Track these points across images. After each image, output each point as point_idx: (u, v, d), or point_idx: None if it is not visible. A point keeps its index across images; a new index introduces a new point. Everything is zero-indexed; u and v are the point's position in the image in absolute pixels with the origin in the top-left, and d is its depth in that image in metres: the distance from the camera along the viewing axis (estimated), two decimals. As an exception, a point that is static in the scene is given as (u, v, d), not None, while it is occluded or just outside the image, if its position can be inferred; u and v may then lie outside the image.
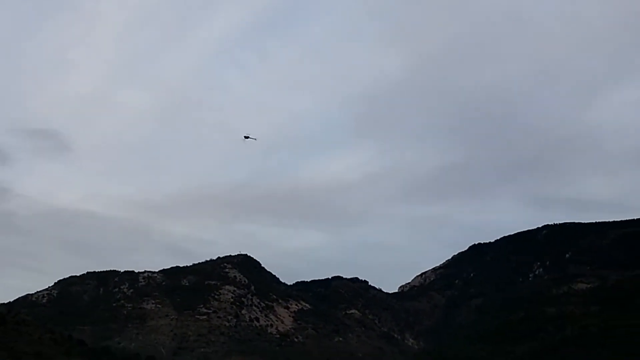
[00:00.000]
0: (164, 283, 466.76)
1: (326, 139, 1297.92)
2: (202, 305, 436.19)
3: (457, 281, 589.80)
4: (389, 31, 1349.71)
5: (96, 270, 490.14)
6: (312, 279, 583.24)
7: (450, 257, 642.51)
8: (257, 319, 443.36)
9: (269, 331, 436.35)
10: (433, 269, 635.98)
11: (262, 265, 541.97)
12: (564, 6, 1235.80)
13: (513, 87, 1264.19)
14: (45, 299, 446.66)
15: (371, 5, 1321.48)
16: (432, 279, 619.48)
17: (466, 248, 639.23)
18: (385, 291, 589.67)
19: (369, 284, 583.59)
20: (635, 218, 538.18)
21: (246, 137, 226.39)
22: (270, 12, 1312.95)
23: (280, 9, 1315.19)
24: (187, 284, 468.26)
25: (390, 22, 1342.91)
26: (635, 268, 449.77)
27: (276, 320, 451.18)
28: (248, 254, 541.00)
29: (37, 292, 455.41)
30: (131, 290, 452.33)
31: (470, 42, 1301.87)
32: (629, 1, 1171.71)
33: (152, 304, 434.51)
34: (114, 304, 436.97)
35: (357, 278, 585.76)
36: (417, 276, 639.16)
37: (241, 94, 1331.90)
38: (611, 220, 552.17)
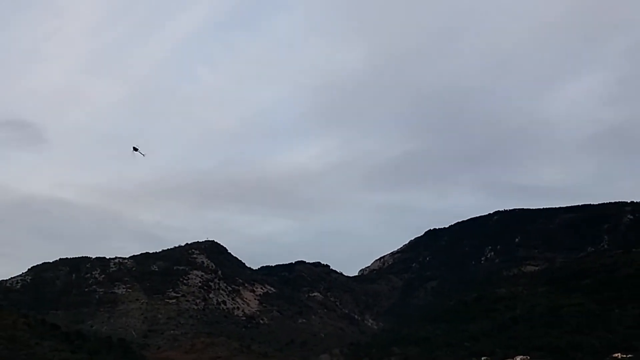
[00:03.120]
0: (134, 269, 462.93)
1: (292, 129, 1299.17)
2: (171, 290, 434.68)
3: (414, 264, 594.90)
4: (352, 26, 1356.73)
5: (69, 257, 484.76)
6: (277, 263, 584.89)
7: (407, 242, 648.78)
8: (224, 302, 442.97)
9: (235, 314, 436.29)
10: (391, 253, 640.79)
11: (229, 251, 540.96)
12: (517, 3, 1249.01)
13: (470, 81, 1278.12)
14: (19, 284, 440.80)
15: (336, 2, 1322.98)
16: (390, 262, 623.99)
17: (422, 233, 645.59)
18: (346, 275, 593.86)
19: (331, 268, 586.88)
20: (580, 204, 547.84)
21: (135, 150, 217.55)
22: (237, 7, 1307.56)
23: (248, 4, 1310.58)
24: (156, 269, 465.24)
25: (354, 18, 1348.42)
26: (580, 251, 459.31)
27: (242, 303, 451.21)
28: (215, 240, 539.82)
29: (11, 278, 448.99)
30: (103, 276, 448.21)
31: (429, 38, 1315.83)
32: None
33: (123, 288, 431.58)
34: (86, 289, 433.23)
35: (319, 262, 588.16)
36: (376, 260, 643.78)
37: (209, 86, 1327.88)
38: (558, 206, 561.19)
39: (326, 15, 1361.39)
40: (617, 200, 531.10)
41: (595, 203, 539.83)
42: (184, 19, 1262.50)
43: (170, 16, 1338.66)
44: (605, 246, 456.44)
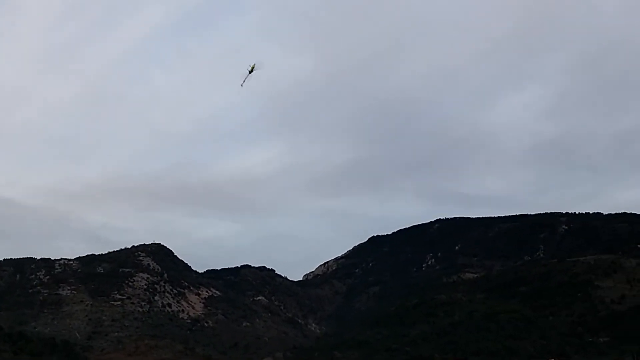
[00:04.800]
0: (79, 270, 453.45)
1: (241, 134, 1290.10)
2: (116, 292, 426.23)
3: (357, 270, 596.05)
4: (302, 33, 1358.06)
5: (13, 257, 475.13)
6: (222, 267, 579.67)
7: (351, 248, 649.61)
8: (170, 305, 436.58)
9: (180, 316, 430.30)
10: (335, 258, 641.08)
11: (175, 254, 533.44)
12: (464, 17, 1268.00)
13: (416, 92, 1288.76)
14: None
15: (288, 8, 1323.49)
16: (334, 268, 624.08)
17: (366, 240, 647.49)
18: (290, 279, 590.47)
19: (276, 272, 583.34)
20: (517, 214, 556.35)
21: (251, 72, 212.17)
22: (190, 11, 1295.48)
23: (201, 9, 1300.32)
24: (102, 271, 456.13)
25: (305, 25, 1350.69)
26: (517, 259, 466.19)
27: (188, 306, 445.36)
28: (162, 243, 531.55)
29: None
30: (47, 277, 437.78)
31: (378, 48, 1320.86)
32: (522, 15, 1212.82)
33: (68, 290, 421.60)
34: (30, 290, 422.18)
35: (264, 267, 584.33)
36: (320, 265, 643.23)
37: (161, 88, 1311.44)
38: (497, 215, 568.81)
39: (278, 22, 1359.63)
40: (553, 211, 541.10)
41: (532, 213, 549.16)
42: (137, 21, 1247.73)
43: (124, 18, 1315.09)
44: (541, 255, 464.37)
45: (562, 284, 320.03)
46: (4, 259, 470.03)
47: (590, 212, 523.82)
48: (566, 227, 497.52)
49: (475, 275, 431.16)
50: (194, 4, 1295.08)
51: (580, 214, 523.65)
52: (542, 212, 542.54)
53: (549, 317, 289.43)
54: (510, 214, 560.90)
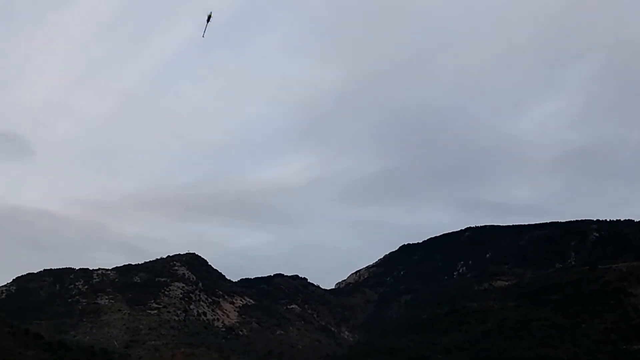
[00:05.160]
0: (117, 280, 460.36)
1: (272, 145, 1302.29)
2: (152, 301, 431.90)
3: (388, 278, 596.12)
4: (331, 46, 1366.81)
5: (53, 268, 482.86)
6: (256, 276, 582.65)
7: (382, 257, 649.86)
8: (205, 314, 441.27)
9: (215, 325, 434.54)
10: (367, 267, 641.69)
11: (209, 263, 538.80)
12: (490, 25, 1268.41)
13: (443, 100, 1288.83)
14: (3, 294, 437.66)
15: (316, 23, 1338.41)
16: (365, 276, 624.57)
17: (397, 248, 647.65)
18: (323, 288, 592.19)
19: (308, 281, 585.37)
20: (548, 221, 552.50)
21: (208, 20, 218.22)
22: (220, 26, 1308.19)
23: (230, 24, 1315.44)
24: (138, 280, 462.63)
25: (333, 38, 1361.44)
26: (548, 267, 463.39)
27: (222, 315, 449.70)
28: (196, 253, 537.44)
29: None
30: (86, 287, 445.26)
31: (405, 58, 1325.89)
32: (548, 22, 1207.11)
33: (106, 299, 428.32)
34: (69, 300, 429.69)
35: (297, 275, 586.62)
36: (352, 274, 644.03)
37: (193, 101, 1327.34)
38: (527, 223, 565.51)
39: (306, 35, 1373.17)
40: (583, 218, 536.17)
41: (562, 220, 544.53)
42: (170, 37, 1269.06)
43: (157, 33, 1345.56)
44: (573, 262, 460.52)
45: (594, 292, 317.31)
46: (44, 270, 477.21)
47: (622, 220, 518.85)
48: (597, 235, 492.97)
49: (507, 283, 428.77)
50: (223, 19, 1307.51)
51: (611, 221, 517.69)
52: (572, 220, 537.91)
53: (582, 325, 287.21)
54: (541, 222, 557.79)
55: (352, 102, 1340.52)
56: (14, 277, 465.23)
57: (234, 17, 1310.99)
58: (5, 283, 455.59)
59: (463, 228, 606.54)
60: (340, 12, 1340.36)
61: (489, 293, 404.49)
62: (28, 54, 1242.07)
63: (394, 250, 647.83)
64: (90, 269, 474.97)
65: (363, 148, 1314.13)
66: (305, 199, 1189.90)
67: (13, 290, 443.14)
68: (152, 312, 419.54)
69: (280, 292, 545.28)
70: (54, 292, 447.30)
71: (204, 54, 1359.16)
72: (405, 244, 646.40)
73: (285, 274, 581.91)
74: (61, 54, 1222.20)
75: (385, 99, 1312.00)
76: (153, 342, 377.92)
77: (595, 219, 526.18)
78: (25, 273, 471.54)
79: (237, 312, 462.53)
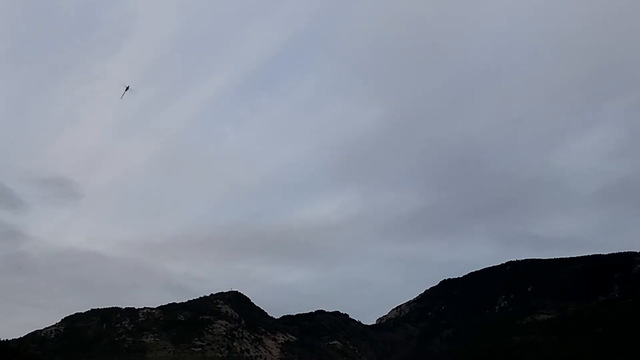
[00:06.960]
0: (161, 318, 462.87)
1: (313, 184, 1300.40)
2: (197, 339, 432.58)
3: (429, 313, 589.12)
4: (370, 86, 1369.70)
5: (100, 307, 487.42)
6: (298, 312, 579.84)
7: (423, 292, 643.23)
8: (248, 351, 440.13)
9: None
10: (408, 302, 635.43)
11: (252, 301, 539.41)
12: (529, 62, 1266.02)
13: (483, 136, 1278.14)
14: (53, 334, 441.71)
15: (354, 63, 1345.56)
16: (407, 311, 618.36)
17: (437, 283, 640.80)
18: (364, 323, 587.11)
19: (350, 316, 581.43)
20: (590, 254, 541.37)
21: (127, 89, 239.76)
22: (261, 70, 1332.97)
23: (271, 68, 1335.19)
24: (183, 318, 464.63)
25: (372, 78, 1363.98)
26: (591, 300, 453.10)
27: (265, 352, 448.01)
28: (238, 291, 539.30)
29: (46, 328, 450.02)
30: (132, 326, 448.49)
31: (444, 96, 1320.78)
32: (586, 57, 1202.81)
33: (151, 337, 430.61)
34: (116, 338, 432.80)
35: (338, 312, 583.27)
36: (393, 309, 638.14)
37: (235, 144, 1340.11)
38: (569, 256, 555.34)
39: (343, 77, 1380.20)
40: (627, 251, 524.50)
41: (605, 253, 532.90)
42: (211, 81, 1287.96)
43: (198, 79, 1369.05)
44: (616, 295, 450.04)
45: (638, 324, 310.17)
46: (92, 309, 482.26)
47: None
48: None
49: (549, 317, 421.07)
50: (263, 63, 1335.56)
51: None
52: (615, 252, 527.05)
53: (628, 359, 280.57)
54: (583, 255, 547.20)
55: (390, 139, 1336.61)
56: (63, 317, 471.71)
57: (274, 60, 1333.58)
58: (54, 323, 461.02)
59: (504, 262, 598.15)
60: (377, 51, 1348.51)
61: (531, 327, 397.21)
62: (75, 102, 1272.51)
63: (434, 285, 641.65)
64: (136, 308, 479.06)
65: (403, 184, 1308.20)
66: (346, 236, 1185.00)
67: (62, 330, 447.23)
68: (196, 349, 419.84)
69: (321, 328, 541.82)
70: (101, 331, 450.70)
71: (246, 97, 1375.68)
72: (446, 278, 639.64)
73: (326, 310, 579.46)
74: (106, 102, 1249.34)
75: (424, 135, 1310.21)
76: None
77: (638, 251, 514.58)
78: (73, 313, 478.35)
79: (280, 348, 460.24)
